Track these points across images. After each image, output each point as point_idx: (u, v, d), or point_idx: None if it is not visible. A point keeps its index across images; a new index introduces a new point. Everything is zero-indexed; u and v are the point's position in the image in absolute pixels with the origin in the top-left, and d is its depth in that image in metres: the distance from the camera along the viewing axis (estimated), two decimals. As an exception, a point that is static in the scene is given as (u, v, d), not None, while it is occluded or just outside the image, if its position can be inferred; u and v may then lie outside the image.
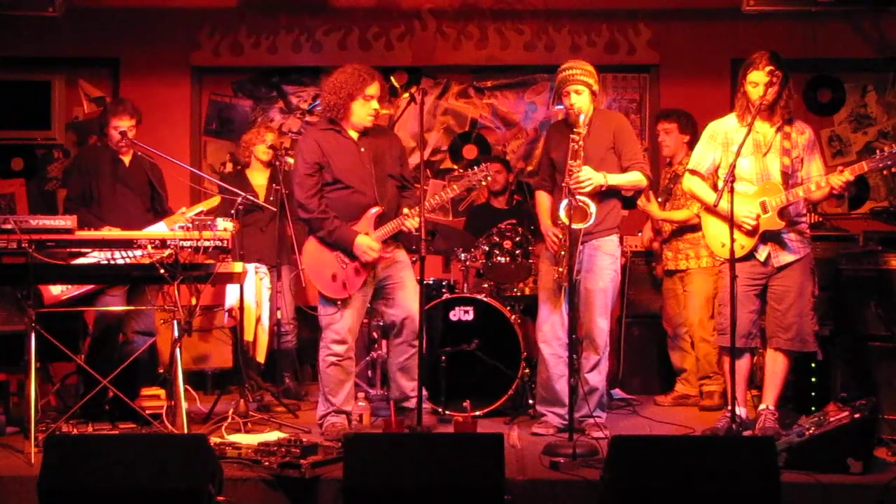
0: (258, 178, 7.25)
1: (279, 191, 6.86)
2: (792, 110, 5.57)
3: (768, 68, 5.42)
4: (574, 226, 5.46)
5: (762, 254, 5.52)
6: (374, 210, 5.63)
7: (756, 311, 5.59)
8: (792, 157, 5.51)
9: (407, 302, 5.69)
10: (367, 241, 5.59)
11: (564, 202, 5.53)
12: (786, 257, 5.52)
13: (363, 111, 5.66)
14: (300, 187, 5.72)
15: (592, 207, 5.51)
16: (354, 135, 5.73)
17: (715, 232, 5.63)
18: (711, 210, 5.60)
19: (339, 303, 5.66)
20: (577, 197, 5.51)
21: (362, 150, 5.70)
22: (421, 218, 5.32)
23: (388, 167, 5.76)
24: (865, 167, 5.29)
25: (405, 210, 5.65)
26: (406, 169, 5.94)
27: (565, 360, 5.71)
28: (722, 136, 5.67)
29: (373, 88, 5.67)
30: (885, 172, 5.37)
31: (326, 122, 5.80)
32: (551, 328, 5.85)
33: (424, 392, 5.56)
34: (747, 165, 5.51)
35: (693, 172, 5.77)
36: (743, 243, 5.48)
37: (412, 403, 5.69)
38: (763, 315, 5.66)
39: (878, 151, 5.29)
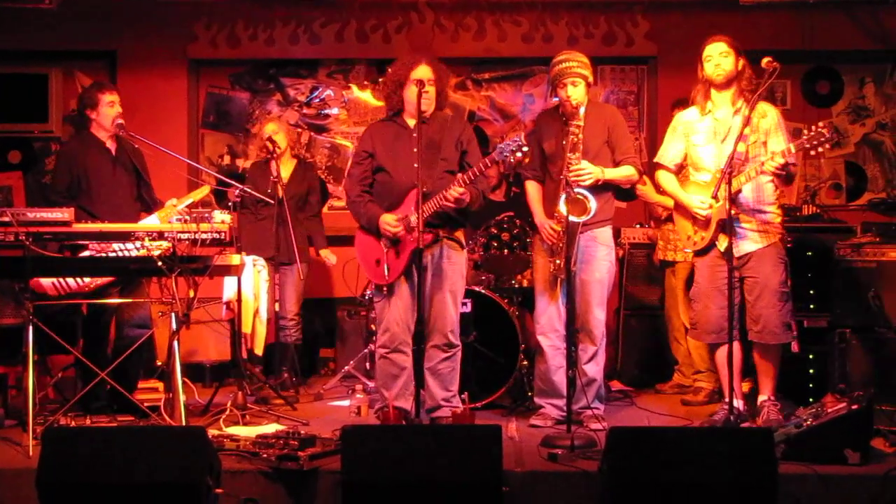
0: (283, 169, 7.17)
1: (276, 184, 6.84)
2: (748, 91, 5.47)
3: (719, 41, 5.49)
4: (574, 219, 5.46)
5: (722, 244, 5.46)
6: (414, 192, 5.48)
7: (725, 307, 5.53)
8: (749, 143, 5.45)
9: (437, 305, 5.67)
10: (387, 218, 5.61)
11: (564, 195, 5.52)
12: (745, 246, 5.48)
13: (413, 96, 5.55)
14: (347, 176, 6.11)
15: (592, 201, 5.51)
16: (412, 122, 5.66)
17: (682, 226, 5.67)
18: (677, 204, 5.68)
19: (384, 290, 5.68)
20: (576, 190, 5.51)
21: (415, 136, 5.57)
22: (419, 212, 5.30)
23: (442, 152, 5.66)
24: (793, 149, 5.22)
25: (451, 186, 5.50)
26: (471, 155, 5.74)
27: (564, 351, 5.72)
28: (682, 127, 5.70)
29: (419, 72, 5.61)
30: (812, 153, 5.27)
31: (389, 114, 5.83)
32: (548, 320, 5.86)
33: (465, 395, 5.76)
34: (707, 154, 5.52)
35: (658, 166, 5.80)
36: (702, 234, 5.51)
37: (443, 412, 5.70)
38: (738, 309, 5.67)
39: (804, 131, 5.25)
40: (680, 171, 5.85)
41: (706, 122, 5.56)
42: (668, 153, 5.77)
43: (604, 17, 8.30)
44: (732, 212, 5.33)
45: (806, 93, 8.28)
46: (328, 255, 7.43)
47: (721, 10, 7.97)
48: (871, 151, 8.27)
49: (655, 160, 5.86)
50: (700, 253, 5.58)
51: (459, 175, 5.49)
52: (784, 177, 5.40)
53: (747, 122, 5.36)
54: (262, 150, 7.24)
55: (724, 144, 5.50)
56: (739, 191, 5.41)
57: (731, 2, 7.47)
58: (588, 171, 5.56)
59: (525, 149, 5.36)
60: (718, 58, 5.48)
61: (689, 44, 8.06)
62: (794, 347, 5.94)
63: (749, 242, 5.49)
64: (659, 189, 6.86)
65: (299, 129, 8.45)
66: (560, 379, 5.76)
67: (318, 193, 7.55)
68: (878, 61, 8.30)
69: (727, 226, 5.31)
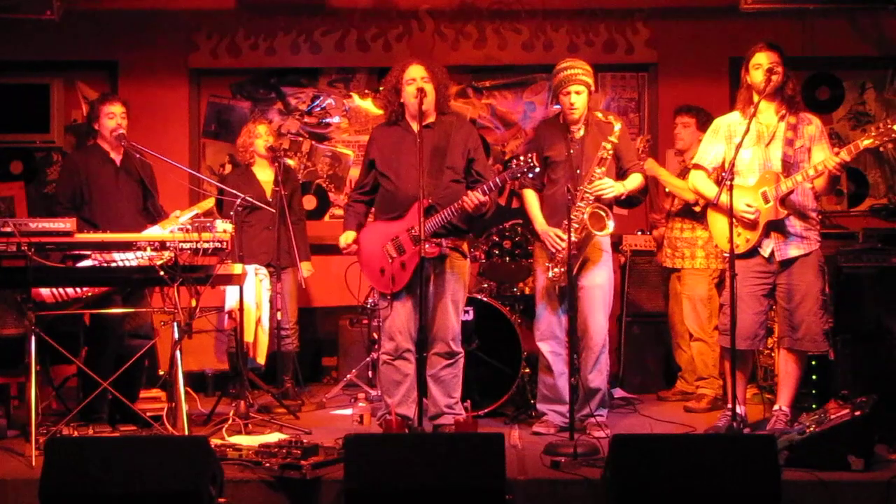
0: (263, 174, 7.19)
1: (279, 192, 6.85)
2: (798, 101, 5.54)
3: (771, 51, 5.44)
4: (598, 233, 5.54)
5: (766, 248, 5.48)
6: (418, 203, 5.40)
7: (763, 313, 5.55)
8: (795, 147, 5.47)
9: (439, 313, 5.66)
10: (344, 237, 5.75)
11: (586, 210, 5.56)
12: (790, 251, 5.47)
13: (411, 97, 5.56)
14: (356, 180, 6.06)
15: (611, 218, 5.54)
16: (416, 127, 5.61)
17: (721, 227, 5.59)
18: (713, 206, 5.60)
19: (388, 298, 5.67)
20: (596, 203, 5.54)
21: (419, 141, 5.51)
22: (420, 222, 5.30)
23: (448, 159, 5.63)
24: (861, 145, 5.24)
25: (468, 194, 5.47)
26: (478, 163, 5.72)
27: (565, 357, 5.75)
28: (725, 129, 5.66)
29: (411, 72, 5.60)
30: (881, 149, 5.30)
31: (393, 118, 5.78)
32: (548, 326, 5.87)
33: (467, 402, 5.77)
34: (749, 157, 5.49)
35: (697, 167, 5.77)
36: (748, 237, 5.47)
37: (445, 420, 5.69)
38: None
39: (873, 128, 5.26)
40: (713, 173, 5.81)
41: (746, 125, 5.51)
42: (709, 155, 5.72)
43: (604, 24, 8.31)
44: (784, 213, 5.40)
45: (806, 99, 8.21)
46: (305, 268, 7.31)
47: (721, 17, 7.99)
48: (872, 157, 8.26)
49: (694, 161, 5.83)
50: (741, 256, 5.49)
51: (480, 186, 5.47)
52: (836, 178, 5.40)
53: (755, 113, 5.34)
54: (248, 156, 7.25)
55: (768, 148, 5.50)
56: (792, 191, 5.40)
57: (732, 9, 7.48)
58: (611, 185, 5.61)
59: (537, 170, 5.41)
60: (770, 66, 5.42)
61: (690, 51, 8.21)
62: (832, 355, 5.92)
63: (794, 248, 5.48)
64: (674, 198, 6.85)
65: (301, 137, 8.46)
66: (563, 385, 5.77)
67: (300, 196, 7.62)
68: (878, 67, 8.30)
69: (780, 227, 5.41)
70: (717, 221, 5.65)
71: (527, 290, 6.87)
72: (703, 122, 6.74)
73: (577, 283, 5.73)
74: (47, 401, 6.28)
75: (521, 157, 5.42)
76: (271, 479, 4.73)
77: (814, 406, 5.85)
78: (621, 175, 5.83)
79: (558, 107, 5.88)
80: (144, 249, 5.37)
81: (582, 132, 5.75)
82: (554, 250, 5.76)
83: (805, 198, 5.51)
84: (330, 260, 7.86)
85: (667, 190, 6.97)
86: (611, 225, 5.58)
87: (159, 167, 6.38)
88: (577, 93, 5.71)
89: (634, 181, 5.81)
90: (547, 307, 5.88)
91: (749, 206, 5.43)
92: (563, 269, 5.64)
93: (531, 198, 6.00)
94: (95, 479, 4.28)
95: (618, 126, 5.64)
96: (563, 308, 5.76)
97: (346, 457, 4.46)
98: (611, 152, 5.63)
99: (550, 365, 5.86)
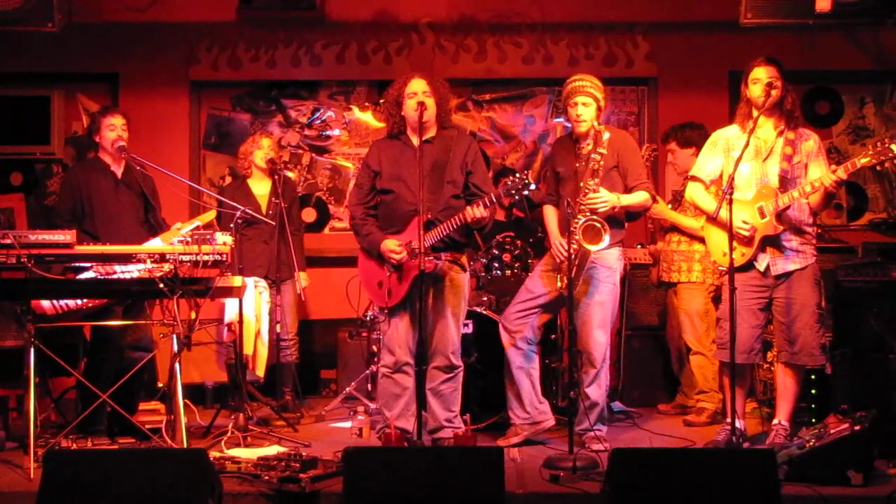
0: (259, 187, 7.22)
1: (278, 205, 6.85)
2: (797, 116, 5.56)
3: (770, 66, 5.44)
4: (588, 247, 5.49)
5: (762, 263, 5.49)
6: (418, 217, 5.40)
7: (759, 326, 5.56)
8: (792, 163, 5.48)
9: (439, 326, 5.66)
10: (390, 244, 5.59)
11: (581, 221, 5.53)
12: (786, 265, 5.48)
13: (412, 111, 5.59)
14: (352, 193, 6.06)
15: (607, 233, 5.51)
16: (416, 141, 5.63)
17: (717, 241, 5.61)
18: (711, 219, 5.60)
19: (386, 311, 5.69)
20: (588, 217, 5.52)
21: (419, 156, 5.52)
22: (420, 236, 5.30)
23: (448, 174, 5.65)
24: (858, 163, 5.25)
25: (469, 207, 5.47)
26: (476, 176, 5.74)
27: (525, 352, 5.87)
28: (723, 142, 5.67)
29: (413, 85, 5.63)
30: (878, 168, 5.30)
31: (395, 130, 5.79)
32: (517, 317, 5.92)
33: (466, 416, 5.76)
34: (746, 171, 5.49)
35: (693, 179, 5.78)
36: (743, 251, 5.47)
37: (445, 433, 5.69)
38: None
39: (871, 144, 5.27)
40: (709, 186, 5.81)
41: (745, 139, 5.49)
42: (706, 167, 5.73)
43: (604, 38, 8.32)
44: (780, 227, 5.41)
45: (806, 113, 8.26)
46: (302, 278, 7.28)
47: (721, 31, 8.00)
48: (871, 172, 8.26)
49: (691, 173, 5.84)
50: (736, 270, 5.44)
51: (482, 200, 5.45)
52: (832, 195, 5.40)
53: (754, 128, 5.36)
54: (246, 165, 7.26)
55: (765, 163, 5.51)
56: (788, 206, 5.40)
57: (732, 23, 7.49)
58: (604, 198, 5.58)
59: (532, 187, 5.40)
60: (769, 80, 5.42)
61: (690, 65, 8.22)
62: (829, 369, 5.92)
63: (790, 262, 5.48)
64: (675, 210, 6.85)
65: (301, 150, 8.47)
66: (521, 380, 5.84)
67: (299, 207, 7.64)
68: (877, 82, 8.31)
69: (775, 242, 5.41)
70: (713, 234, 5.66)
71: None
72: (685, 141, 6.75)
73: (579, 297, 5.72)
74: (46, 413, 6.27)
75: (517, 175, 5.42)
76: (270, 492, 4.73)
77: (813, 420, 5.85)
78: (628, 193, 5.82)
79: (558, 120, 5.90)
80: (144, 262, 5.37)
81: (589, 147, 5.74)
82: (558, 259, 5.76)
83: (801, 213, 5.51)
84: (329, 272, 7.88)
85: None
86: (606, 239, 5.52)
87: (160, 179, 6.39)
88: (585, 105, 5.73)
89: (634, 198, 5.78)
90: (523, 301, 5.94)
91: (745, 222, 5.44)
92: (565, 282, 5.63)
93: (549, 213, 6.04)
94: (94, 491, 4.28)
95: (606, 136, 5.63)
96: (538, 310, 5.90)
97: (345, 470, 4.46)
98: (601, 163, 5.60)
99: (510, 357, 5.93)
